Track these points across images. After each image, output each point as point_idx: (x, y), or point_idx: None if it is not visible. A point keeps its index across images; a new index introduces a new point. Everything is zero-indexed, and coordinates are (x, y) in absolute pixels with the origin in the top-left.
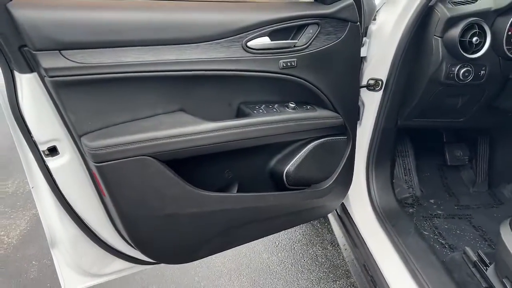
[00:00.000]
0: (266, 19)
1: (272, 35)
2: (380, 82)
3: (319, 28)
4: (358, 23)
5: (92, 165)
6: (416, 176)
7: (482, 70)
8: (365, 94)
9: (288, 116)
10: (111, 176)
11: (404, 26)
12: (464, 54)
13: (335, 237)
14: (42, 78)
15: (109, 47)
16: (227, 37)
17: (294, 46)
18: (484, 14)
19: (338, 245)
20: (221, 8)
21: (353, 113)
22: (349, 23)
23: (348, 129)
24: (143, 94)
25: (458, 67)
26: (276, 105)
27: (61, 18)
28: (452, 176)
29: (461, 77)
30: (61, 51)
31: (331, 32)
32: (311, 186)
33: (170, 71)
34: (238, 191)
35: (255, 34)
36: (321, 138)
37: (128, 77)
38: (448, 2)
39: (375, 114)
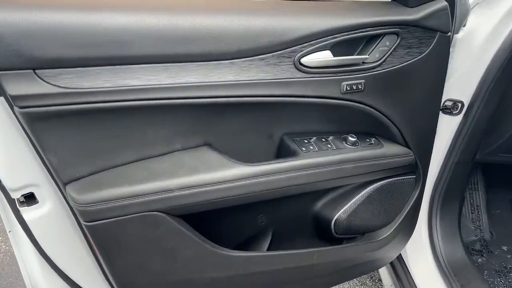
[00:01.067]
0: (328, 27)
1: (334, 49)
2: (460, 105)
3: (398, 40)
4: (450, 33)
5: (82, 221)
6: (486, 215)
7: None
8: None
9: (347, 155)
10: (107, 237)
11: (507, 35)
12: None
13: None
14: (11, 106)
15: (107, 65)
16: (274, 51)
17: (363, 63)
18: None
19: None
20: (265, 11)
21: (428, 147)
22: (438, 33)
23: (419, 167)
24: (155, 127)
25: None
26: (330, 138)
27: (37, 23)
28: None
29: None
30: (36, 71)
31: (413, 44)
32: (366, 236)
33: (194, 98)
34: (272, 241)
35: (312, 48)
36: (385, 179)
37: (134, 106)
38: None
39: (449, 144)
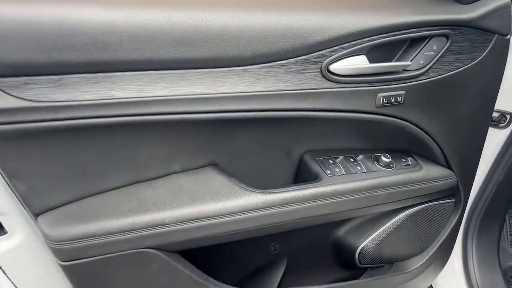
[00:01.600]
0: (364, 28)
1: (369, 53)
2: (509, 117)
3: (447, 43)
4: (510, 36)
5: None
6: None
7: None
8: None
9: (380, 180)
10: (88, 279)
11: None
12: None
13: None
14: None
15: (87, 73)
16: (297, 56)
17: (404, 70)
18: None
19: None
20: (286, 7)
21: (472, 168)
22: (496, 35)
23: (460, 189)
24: (148, 145)
25: None
26: (360, 157)
27: None
28: None
29: None
30: None
31: (464, 49)
32: (394, 266)
33: (197, 113)
34: (286, 271)
35: (344, 52)
36: (420, 205)
37: (122, 123)
38: None
39: (492, 160)
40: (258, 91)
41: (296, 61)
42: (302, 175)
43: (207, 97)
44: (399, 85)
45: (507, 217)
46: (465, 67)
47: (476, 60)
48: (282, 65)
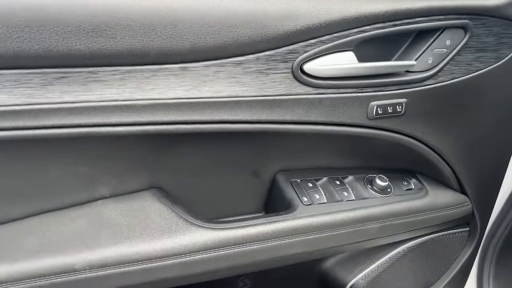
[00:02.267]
0: (351, 15)
1: (360, 50)
2: None
3: (466, 37)
4: None
5: None
6: None
7: None
8: None
9: (372, 211)
10: None
11: None
12: None
13: None
14: None
15: None
16: (257, 52)
17: (406, 72)
18: None
19: None
20: None
21: (492, 192)
22: None
23: (476, 217)
24: (63, 163)
25: None
26: (349, 179)
27: None
28: None
29: None
30: None
31: (488, 45)
32: None
33: (113, 126)
34: None
35: (323, 47)
36: (426, 236)
37: (14, 137)
38: None
39: None
40: (203, 98)
41: (257, 58)
42: (274, 200)
43: (129, 105)
44: (399, 91)
45: None
46: (487, 68)
47: (503, 60)
48: (238, 63)
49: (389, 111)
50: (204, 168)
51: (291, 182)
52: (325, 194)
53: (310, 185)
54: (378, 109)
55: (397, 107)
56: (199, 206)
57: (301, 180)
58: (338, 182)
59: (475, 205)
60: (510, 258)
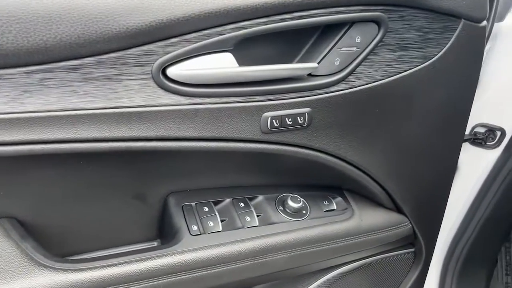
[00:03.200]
0: (221, 6)
1: (244, 49)
2: (499, 134)
3: (380, 33)
4: (484, 22)
5: None
6: None
7: None
8: (462, 150)
9: (277, 239)
10: None
11: None
12: None
13: None
14: None
15: None
16: (98, 54)
17: (310, 76)
18: None
19: None
20: None
21: (437, 208)
22: (462, 21)
23: (419, 237)
24: None
25: None
26: (258, 200)
27: None
28: None
29: None
30: None
31: (411, 42)
32: None
33: None
34: None
35: (189, 48)
36: (359, 261)
37: None
38: None
39: (477, 190)
40: (28, 112)
41: (99, 62)
42: (165, 228)
43: None
44: (300, 99)
45: (500, 256)
46: (412, 69)
47: (431, 60)
48: (72, 68)
49: (288, 123)
50: (69, 194)
51: (182, 206)
52: (222, 221)
53: (206, 209)
54: (274, 121)
55: (298, 118)
56: (69, 239)
57: (196, 204)
58: (242, 205)
59: (416, 225)
60: (473, 274)
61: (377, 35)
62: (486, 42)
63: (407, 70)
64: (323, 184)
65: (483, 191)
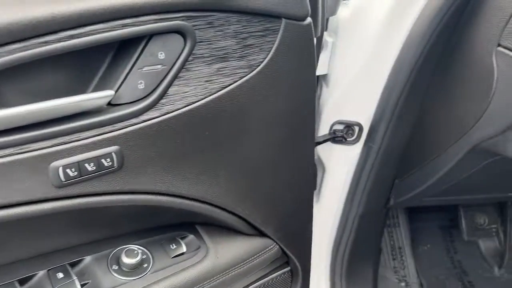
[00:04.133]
0: None
1: (8, 83)
2: (357, 129)
3: (188, 44)
4: (308, 19)
5: None
6: (412, 260)
7: None
8: (326, 150)
9: None
10: None
11: (421, 12)
12: None
13: None
14: None
15: None
16: None
17: (110, 105)
18: None
19: None
20: None
21: (302, 219)
22: (283, 20)
23: (290, 256)
24: None
25: None
26: (84, 262)
27: None
28: (466, 254)
29: None
30: None
31: (229, 51)
32: None
33: None
34: None
35: None
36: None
37: None
38: None
39: (347, 188)
40: None
41: None
42: None
43: None
44: (100, 136)
45: (387, 237)
46: (238, 82)
47: (258, 68)
48: None
49: (90, 169)
50: None
51: None
52: None
53: None
54: (68, 170)
55: (104, 160)
56: None
57: None
58: (61, 275)
59: (283, 244)
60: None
61: (184, 48)
62: (320, 38)
63: (232, 84)
64: (169, 224)
65: (352, 188)
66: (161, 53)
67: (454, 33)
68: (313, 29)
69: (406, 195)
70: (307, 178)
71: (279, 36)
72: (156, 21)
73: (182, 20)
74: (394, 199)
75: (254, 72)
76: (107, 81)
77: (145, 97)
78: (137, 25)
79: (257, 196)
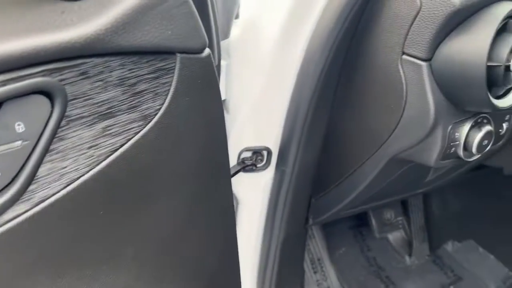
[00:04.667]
0: None
1: None
2: (266, 153)
3: (55, 107)
4: (208, 50)
5: None
6: (332, 268)
7: (505, 123)
8: (237, 181)
9: None
10: None
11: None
12: (492, 100)
13: None
14: None
15: None
16: None
17: None
18: None
19: None
20: None
21: (231, 270)
22: (178, 56)
23: None
24: None
25: (468, 127)
26: None
27: None
28: (379, 249)
29: (476, 149)
30: None
31: (116, 104)
32: None
33: None
34: None
35: None
36: None
37: None
38: None
39: (263, 217)
40: None
41: None
42: None
43: None
44: None
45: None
46: (133, 140)
47: (156, 118)
48: None
49: None
50: None
51: None
52: None
53: None
54: None
55: None
56: None
57: None
58: None
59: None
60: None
61: (52, 111)
62: (218, 66)
63: (125, 143)
64: None
65: (270, 215)
66: (19, 124)
67: (354, 44)
68: (213, 60)
69: (324, 214)
70: (229, 223)
71: (175, 75)
72: (3, 82)
73: (44, 75)
74: (313, 219)
75: (151, 123)
76: None
77: (4, 188)
78: None
79: (182, 263)
